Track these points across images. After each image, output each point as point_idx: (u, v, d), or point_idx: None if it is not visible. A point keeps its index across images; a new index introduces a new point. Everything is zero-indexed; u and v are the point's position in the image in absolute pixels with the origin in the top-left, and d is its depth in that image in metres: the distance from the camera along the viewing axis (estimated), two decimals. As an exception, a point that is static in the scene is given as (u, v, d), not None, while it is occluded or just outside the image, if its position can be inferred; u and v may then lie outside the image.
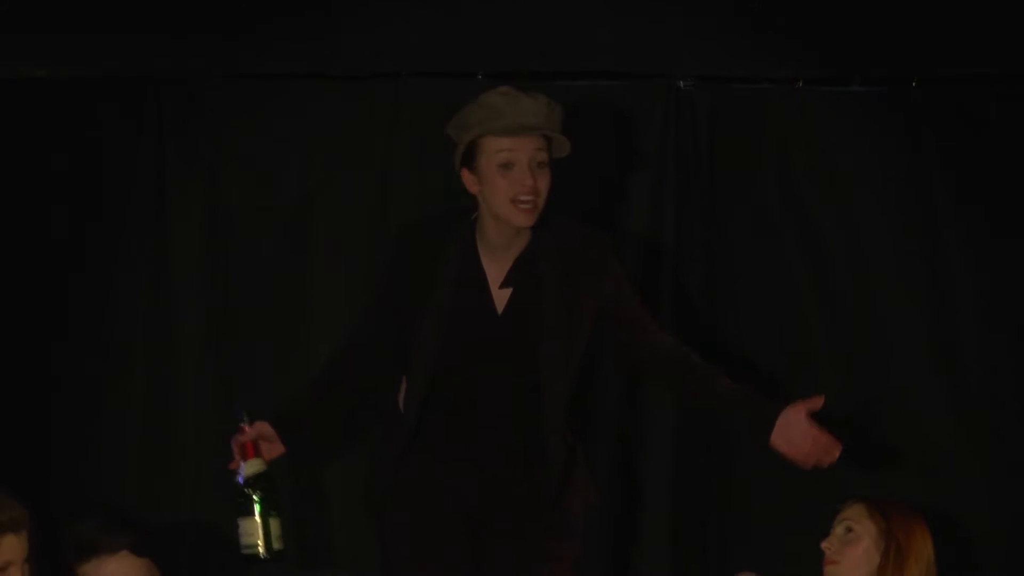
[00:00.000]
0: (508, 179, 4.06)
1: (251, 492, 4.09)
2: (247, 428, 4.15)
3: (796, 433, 4.02)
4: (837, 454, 4.01)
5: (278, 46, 4.86)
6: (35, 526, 3.86)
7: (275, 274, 4.89)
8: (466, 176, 4.14)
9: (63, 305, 4.85)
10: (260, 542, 4.07)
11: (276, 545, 4.08)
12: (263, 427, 4.18)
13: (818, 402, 4.02)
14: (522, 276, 4.17)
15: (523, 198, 4.05)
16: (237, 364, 4.89)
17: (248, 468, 4.11)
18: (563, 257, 4.17)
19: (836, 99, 4.85)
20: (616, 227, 4.86)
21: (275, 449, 4.20)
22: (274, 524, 4.08)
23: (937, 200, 4.84)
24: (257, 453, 4.13)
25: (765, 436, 4.04)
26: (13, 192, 4.85)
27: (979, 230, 4.83)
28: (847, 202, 4.86)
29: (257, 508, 4.08)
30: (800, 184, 4.87)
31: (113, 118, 4.87)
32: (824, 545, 4.11)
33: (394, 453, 4.25)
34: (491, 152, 4.07)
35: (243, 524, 4.09)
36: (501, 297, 4.18)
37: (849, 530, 4.10)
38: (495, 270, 4.19)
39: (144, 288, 4.87)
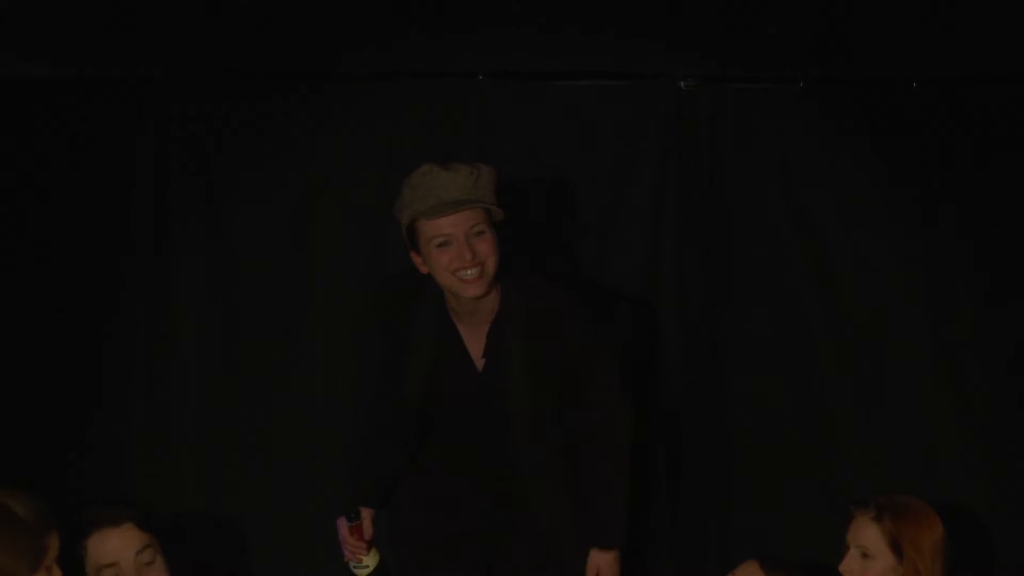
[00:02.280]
0: (447, 255, 4.06)
1: None
2: (365, 524, 4.16)
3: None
4: None
5: (278, 46, 4.86)
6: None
7: (275, 273, 4.88)
8: (415, 258, 4.16)
9: (63, 304, 4.84)
10: None
11: None
12: (369, 520, 4.21)
13: None
14: (498, 344, 4.19)
15: (465, 274, 4.07)
16: (238, 362, 4.89)
17: (371, 560, 4.14)
18: (530, 319, 4.17)
19: (837, 99, 4.85)
20: (617, 227, 4.88)
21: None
22: None
23: (937, 199, 4.84)
24: (371, 544, 4.16)
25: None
26: (13, 192, 4.84)
27: (979, 229, 4.83)
28: (847, 202, 4.86)
29: None
30: (800, 184, 4.87)
31: (113, 118, 4.87)
32: (843, 568, 4.14)
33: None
34: (427, 235, 4.08)
35: None
36: (481, 361, 4.22)
37: (865, 555, 4.13)
38: (469, 334, 4.21)
39: (144, 287, 4.87)
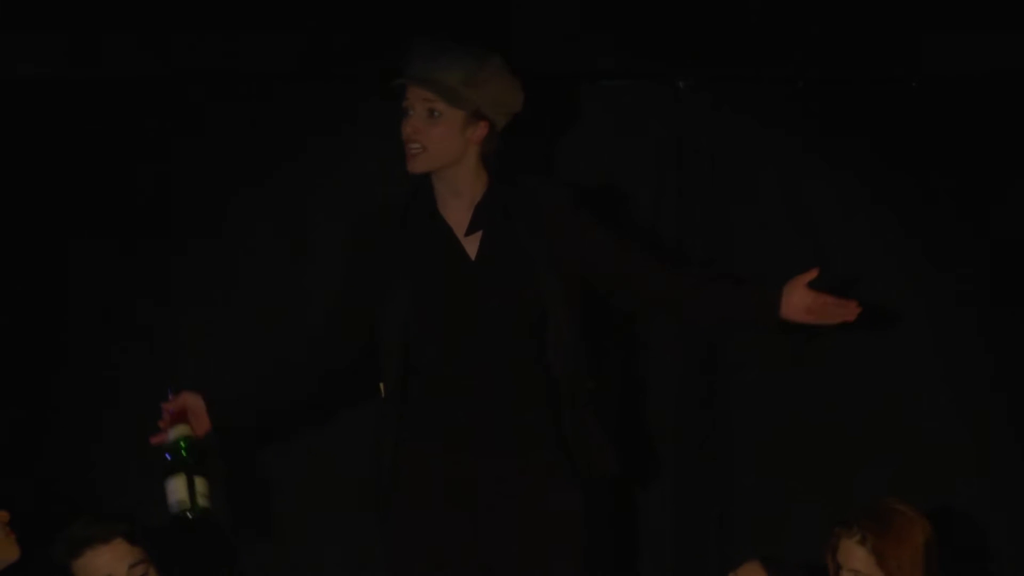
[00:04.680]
0: (403, 124, 4.20)
1: (177, 451, 4.14)
2: (173, 397, 4.22)
3: (806, 300, 4.20)
4: (857, 310, 4.19)
5: (278, 46, 4.86)
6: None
7: (275, 274, 4.88)
8: None
9: (63, 304, 4.85)
10: (186, 499, 4.11)
11: (202, 503, 4.13)
12: (191, 399, 4.23)
13: (813, 273, 4.21)
14: (487, 220, 4.22)
15: (409, 145, 4.17)
16: (237, 363, 4.87)
17: (174, 432, 4.17)
18: (527, 204, 4.23)
19: (836, 98, 4.85)
20: (616, 226, 4.86)
21: (201, 425, 4.24)
22: (200, 483, 4.14)
23: (937, 199, 4.84)
24: (183, 420, 4.20)
25: (774, 315, 4.20)
26: (13, 192, 4.85)
27: (979, 229, 4.83)
28: (847, 201, 4.86)
29: (183, 466, 4.12)
30: (800, 184, 4.87)
31: (113, 118, 4.87)
32: None
33: (386, 449, 4.24)
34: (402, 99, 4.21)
35: (170, 483, 4.13)
36: (471, 244, 4.22)
37: None
38: (456, 220, 4.23)
39: (145, 287, 4.87)
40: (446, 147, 4.17)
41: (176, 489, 4.11)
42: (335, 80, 4.89)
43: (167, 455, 4.15)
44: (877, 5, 4.79)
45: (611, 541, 4.84)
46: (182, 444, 4.16)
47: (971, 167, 4.83)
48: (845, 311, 4.17)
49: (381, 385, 4.26)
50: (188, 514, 4.11)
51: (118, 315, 4.87)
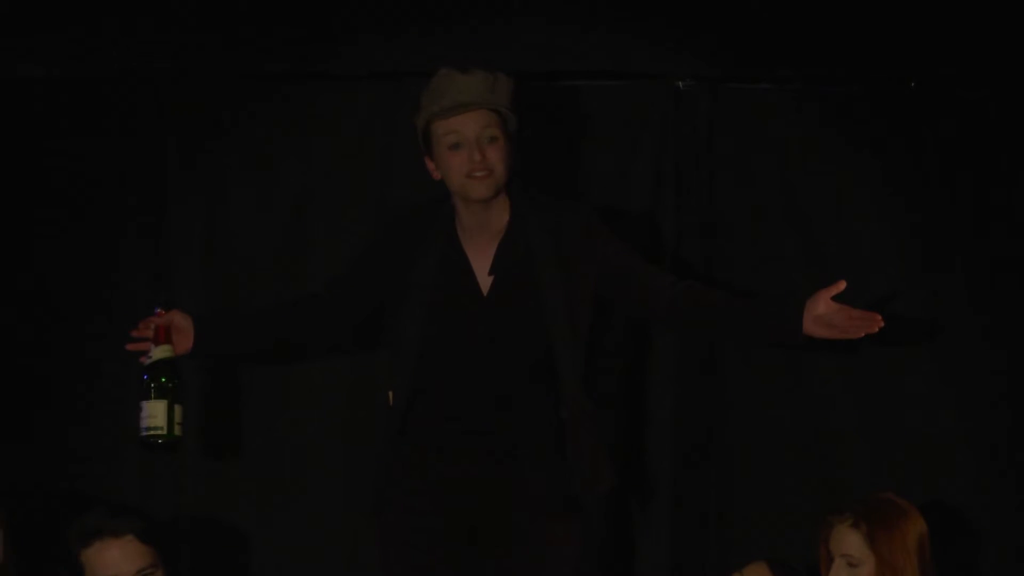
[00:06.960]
0: (459, 158, 4.16)
1: (159, 374, 4.18)
2: (162, 312, 4.26)
3: (829, 315, 4.14)
4: (881, 322, 4.11)
5: (278, 46, 4.86)
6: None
7: (274, 274, 4.88)
8: (428, 164, 4.26)
9: (63, 303, 4.85)
10: (163, 425, 4.15)
11: (177, 431, 4.18)
12: (178, 317, 4.28)
13: (840, 286, 4.15)
14: (508, 258, 4.21)
15: (476, 173, 4.15)
16: (235, 362, 4.88)
17: (158, 352, 4.21)
18: (548, 231, 4.24)
19: (835, 99, 4.85)
20: (615, 226, 4.86)
21: (183, 344, 4.28)
22: (178, 410, 4.19)
23: (936, 199, 4.84)
24: (168, 340, 4.23)
25: (796, 331, 4.16)
26: (13, 192, 4.85)
27: (978, 229, 4.82)
28: (846, 202, 4.85)
29: (166, 392, 4.16)
30: (799, 184, 4.87)
31: (114, 118, 4.87)
32: None
33: (387, 453, 4.26)
34: (440, 136, 4.18)
35: (148, 407, 4.17)
36: (486, 280, 4.22)
37: (851, 564, 4.17)
38: (476, 252, 4.24)
39: (143, 287, 4.86)
40: (505, 170, 4.19)
41: (155, 414, 4.16)
42: (333, 80, 4.88)
43: (150, 377, 4.18)
44: (876, 5, 4.78)
45: (608, 542, 4.83)
46: (164, 367, 4.19)
47: (969, 167, 4.82)
48: (870, 324, 4.11)
49: (390, 394, 4.29)
50: (159, 440, 4.15)
51: (118, 314, 4.87)
